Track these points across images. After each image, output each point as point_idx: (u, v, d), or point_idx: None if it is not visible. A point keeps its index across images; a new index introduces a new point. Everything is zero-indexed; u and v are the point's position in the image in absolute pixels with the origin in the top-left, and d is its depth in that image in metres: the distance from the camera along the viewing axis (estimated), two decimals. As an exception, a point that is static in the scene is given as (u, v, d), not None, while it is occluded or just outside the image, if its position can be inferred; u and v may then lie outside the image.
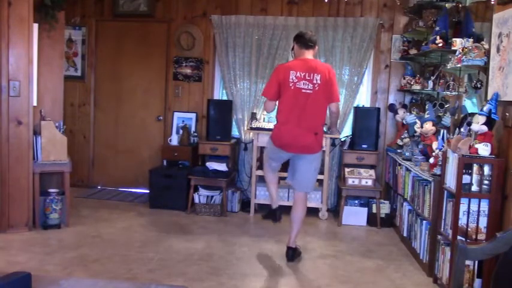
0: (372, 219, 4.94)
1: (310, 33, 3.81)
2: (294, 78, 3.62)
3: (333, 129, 4.18)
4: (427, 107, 4.44)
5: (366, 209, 4.98)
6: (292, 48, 3.86)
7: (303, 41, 3.73)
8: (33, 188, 4.26)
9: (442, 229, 3.37)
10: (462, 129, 3.33)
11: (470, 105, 4.16)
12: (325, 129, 5.20)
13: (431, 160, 3.73)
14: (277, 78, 3.69)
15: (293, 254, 3.87)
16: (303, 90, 3.63)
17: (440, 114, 4.37)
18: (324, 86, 3.64)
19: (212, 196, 5.09)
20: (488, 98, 3.18)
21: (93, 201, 5.45)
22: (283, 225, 4.53)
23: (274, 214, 4.02)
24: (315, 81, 3.63)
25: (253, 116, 5.39)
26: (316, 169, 3.87)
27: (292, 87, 3.63)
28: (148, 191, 5.41)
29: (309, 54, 3.74)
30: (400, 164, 4.53)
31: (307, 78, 3.63)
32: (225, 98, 5.69)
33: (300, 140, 3.66)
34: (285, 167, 4.09)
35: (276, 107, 3.80)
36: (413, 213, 4.09)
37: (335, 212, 5.30)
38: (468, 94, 4.08)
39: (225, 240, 4.27)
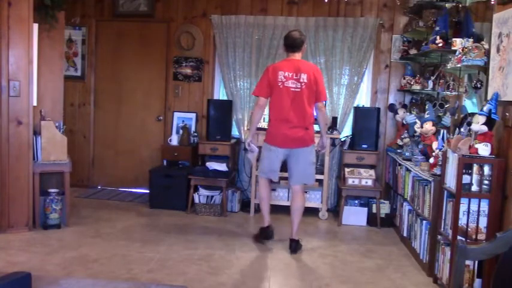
0: (372, 219, 4.94)
1: (296, 34, 3.97)
2: (283, 77, 3.88)
3: (324, 139, 4.15)
4: (427, 107, 4.44)
5: (366, 209, 4.98)
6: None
7: (288, 43, 3.97)
8: (33, 188, 4.26)
9: (442, 229, 3.37)
10: (462, 129, 3.33)
11: (470, 105, 4.16)
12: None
13: (431, 160, 3.73)
14: (267, 78, 3.93)
15: (296, 246, 4.02)
16: (292, 89, 3.88)
17: (440, 114, 4.37)
18: (310, 85, 3.89)
19: (212, 196, 5.09)
20: (488, 98, 3.18)
21: (93, 201, 5.45)
22: (283, 224, 4.55)
23: (265, 232, 4.13)
24: (301, 80, 3.88)
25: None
26: (311, 163, 4.03)
27: (281, 86, 3.88)
28: (148, 191, 5.41)
29: (294, 56, 3.97)
30: (400, 164, 4.53)
31: (294, 77, 3.88)
32: (225, 98, 5.69)
33: (293, 134, 3.90)
34: (283, 168, 4.12)
35: (267, 105, 4.04)
36: (413, 213, 4.08)
37: (335, 212, 5.30)
38: (468, 94, 4.08)
39: (225, 240, 4.27)
